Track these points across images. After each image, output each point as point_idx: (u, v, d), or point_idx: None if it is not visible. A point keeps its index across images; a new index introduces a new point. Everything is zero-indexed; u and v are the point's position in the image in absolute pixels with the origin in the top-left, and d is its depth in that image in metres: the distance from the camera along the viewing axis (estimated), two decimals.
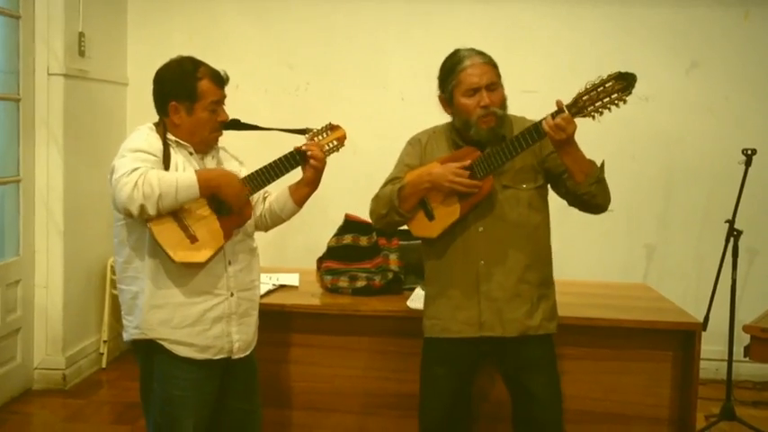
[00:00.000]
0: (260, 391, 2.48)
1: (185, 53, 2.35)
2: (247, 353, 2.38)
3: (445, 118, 2.43)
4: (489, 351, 2.36)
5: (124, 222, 2.24)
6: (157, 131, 2.27)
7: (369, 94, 4.45)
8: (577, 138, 2.18)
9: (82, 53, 4.07)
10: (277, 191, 2.47)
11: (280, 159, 2.33)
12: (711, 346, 3.82)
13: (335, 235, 3.12)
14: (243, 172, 2.36)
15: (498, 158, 2.22)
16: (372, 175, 4.35)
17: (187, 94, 2.24)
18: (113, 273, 3.82)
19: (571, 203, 2.33)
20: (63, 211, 3.96)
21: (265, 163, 2.32)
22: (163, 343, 2.25)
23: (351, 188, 4.24)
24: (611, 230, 4.29)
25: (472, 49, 2.31)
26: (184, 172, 2.20)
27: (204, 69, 2.27)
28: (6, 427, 3.54)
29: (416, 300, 2.86)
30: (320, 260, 3.10)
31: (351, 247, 3.04)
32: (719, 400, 3.64)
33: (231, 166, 2.39)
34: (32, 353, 3.98)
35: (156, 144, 2.22)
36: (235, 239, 2.31)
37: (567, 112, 2.13)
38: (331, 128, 2.40)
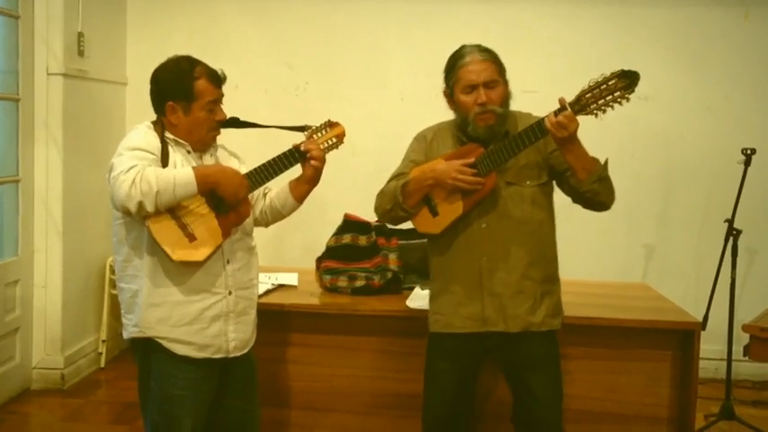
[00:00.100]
0: (259, 390, 2.48)
1: (185, 53, 2.34)
2: (245, 351, 2.37)
3: (447, 115, 2.44)
4: (492, 347, 2.36)
5: (123, 221, 2.24)
6: (155, 130, 2.27)
7: (369, 94, 4.45)
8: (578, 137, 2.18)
9: (81, 53, 4.07)
10: (277, 187, 2.46)
11: (279, 157, 2.33)
12: (711, 346, 3.82)
13: (334, 234, 3.12)
14: (242, 169, 2.36)
15: (501, 155, 2.23)
16: (372, 174, 4.35)
17: (184, 94, 2.24)
18: (112, 272, 3.81)
19: (575, 201, 2.34)
20: (62, 210, 3.96)
21: (265, 160, 2.32)
22: (161, 341, 2.25)
23: (350, 188, 4.25)
24: (610, 230, 4.29)
25: (476, 46, 2.32)
26: (182, 168, 2.19)
27: (201, 69, 2.27)
28: (5, 427, 3.53)
29: (416, 299, 2.86)
30: (319, 260, 3.10)
31: (350, 247, 3.04)
32: (719, 400, 3.64)
33: (230, 164, 2.39)
34: (31, 352, 3.97)
35: (154, 142, 2.22)
36: (233, 238, 2.31)
37: (569, 109, 2.13)
38: (330, 125, 2.40)
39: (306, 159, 2.36)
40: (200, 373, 2.28)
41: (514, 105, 2.37)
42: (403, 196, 2.32)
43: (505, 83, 2.31)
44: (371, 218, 3.16)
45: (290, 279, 3.15)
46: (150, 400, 2.31)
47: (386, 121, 4.39)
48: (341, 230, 3.12)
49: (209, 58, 2.37)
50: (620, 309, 2.86)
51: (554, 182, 2.38)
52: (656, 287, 3.34)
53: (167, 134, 2.27)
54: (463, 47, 2.33)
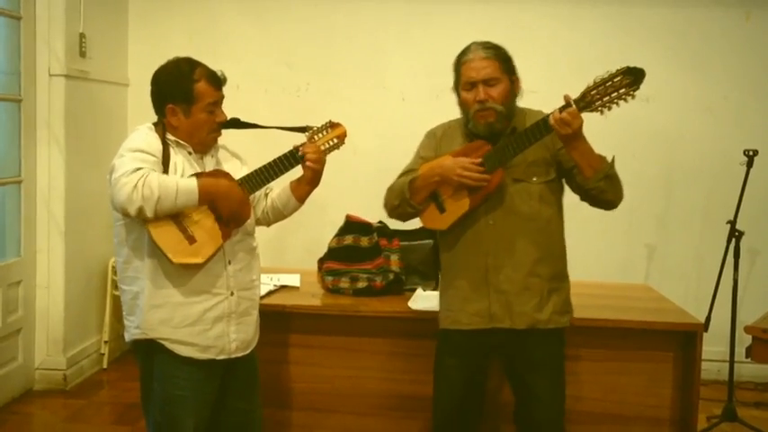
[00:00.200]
0: (260, 391, 2.48)
1: (186, 53, 2.35)
2: (247, 352, 2.38)
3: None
4: (499, 344, 2.35)
5: (123, 222, 2.24)
6: (157, 131, 2.27)
7: (369, 94, 4.44)
8: None
9: (83, 54, 4.07)
10: (279, 187, 2.46)
11: (279, 158, 2.33)
12: (713, 347, 3.82)
13: (336, 236, 3.12)
14: (244, 170, 2.36)
15: (507, 152, 2.23)
16: (373, 175, 4.36)
17: (184, 97, 2.24)
18: (114, 273, 3.81)
19: (582, 198, 2.34)
20: (64, 211, 3.96)
21: (266, 161, 2.32)
22: (164, 343, 2.25)
23: (351, 188, 4.25)
24: (611, 230, 4.29)
25: (482, 43, 2.32)
26: (186, 178, 2.19)
27: (201, 71, 2.26)
28: (7, 428, 3.54)
29: (417, 300, 2.86)
30: (321, 261, 3.10)
31: (352, 248, 3.04)
32: (721, 401, 3.64)
33: (232, 164, 2.39)
34: (33, 353, 3.98)
35: (155, 144, 2.22)
36: (234, 239, 2.31)
37: (574, 106, 2.13)
38: (331, 125, 2.40)
39: (305, 162, 2.36)
40: (203, 373, 2.28)
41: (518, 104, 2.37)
42: (410, 192, 2.34)
43: (511, 80, 2.30)
44: (373, 218, 3.17)
45: (292, 280, 3.15)
46: (153, 401, 2.31)
47: (386, 121, 4.39)
48: (342, 231, 3.12)
49: (209, 58, 2.37)
50: (622, 309, 2.86)
51: (564, 180, 2.37)
52: (657, 288, 3.34)
53: (168, 136, 2.27)
54: (471, 44, 2.34)
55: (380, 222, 3.15)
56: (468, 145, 2.32)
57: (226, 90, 2.33)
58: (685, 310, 2.91)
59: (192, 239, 2.20)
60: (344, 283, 2.98)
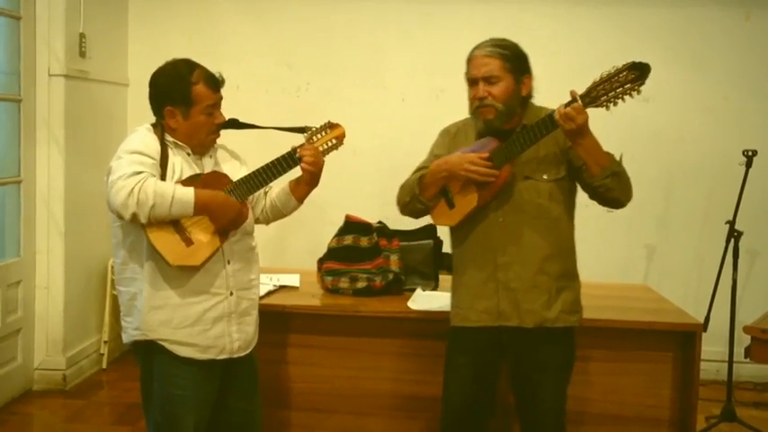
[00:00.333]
0: (260, 391, 2.48)
1: (186, 54, 2.35)
2: (247, 352, 2.38)
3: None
4: (508, 342, 2.34)
5: (120, 224, 2.24)
6: (155, 132, 2.27)
7: (369, 95, 4.45)
8: None
9: (83, 54, 4.07)
10: (278, 187, 2.46)
11: (277, 160, 2.32)
12: (712, 347, 3.81)
13: (336, 236, 3.12)
14: (243, 170, 2.36)
15: (514, 148, 2.23)
16: (373, 175, 4.40)
17: (182, 99, 2.23)
18: (114, 273, 3.82)
19: (591, 197, 2.33)
20: (64, 211, 3.97)
21: (265, 161, 2.32)
22: (164, 344, 2.25)
23: (351, 188, 4.25)
24: (610, 230, 4.29)
25: (489, 41, 2.31)
26: (184, 187, 2.18)
27: (199, 73, 2.26)
28: (7, 428, 3.54)
29: (417, 301, 2.86)
30: (321, 261, 3.10)
31: (351, 248, 3.04)
32: (720, 402, 3.64)
33: (231, 165, 2.39)
34: (33, 353, 3.98)
35: (153, 145, 2.22)
36: (233, 239, 2.31)
37: (579, 101, 2.13)
38: (330, 126, 2.39)
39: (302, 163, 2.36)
40: (202, 373, 2.28)
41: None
42: (420, 188, 2.35)
43: (516, 79, 2.28)
44: (372, 218, 3.18)
45: (292, 280, 3.15)
46: (153, 401, 2.32)
47: (386, 121, 4.39)
48: (342, 231, 3.12)
49: (209, 58, 2.37)
50: (621, 310, 2.86)
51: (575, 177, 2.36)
52: (656, 288, 3.34)
53: (167, 137, 2.27)
54: (484, 40, 2.33)
55: (380, 222, 3.15)
56: (478, 141, 2.33)
57: (226, 90, 2.33)
58: (684, 310, 2.91)
59: (189, 241, 2.20)
60: (344, 283, 2.98)
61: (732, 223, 3.62)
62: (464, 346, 2.39)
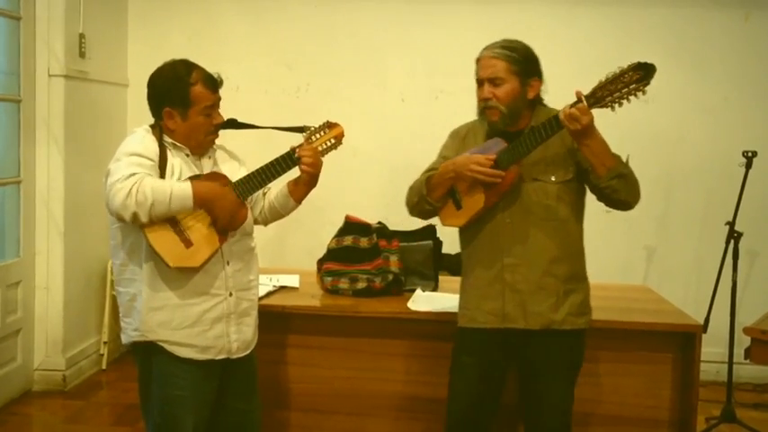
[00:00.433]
0: (260, 391, 2.48)
1: (185, 54, 2.35)
2: (247, 352, 2.38)
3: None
4: (516, 344, 2.34)
5: (119, 226, 2.24)
6: (154, 134, 2.27)
7: (369, 95, 4.44)
8: None
9: (82, 54, 4.07)
10: (277, 188, 2.46)
11: (276, 160, 2.32)
12: (712, 348, 3.81)
13: (336, 236, 3.12)
14: (242, 171, 2.36)
15: (521, 149, 2.23)
16: (372, 175, 4.40)
17: (181, 101, 2.23)
18: (113, 274, 3.82)
19: (599, 198, 2.33)
20: (63, 212, 3.96)
21: (265, 161, 2.32)
22: (163, 345, 2.25)
23: (351, 189, 4.25)
24: (610, 231, 4.28)
25: (499, 41, 2.31)
26: (181, 182, 2.18)
27: (197, 74, 2.25)
28: (6, 429, 3.54)
29: (417, 301, 2.86)
30: (320, 262, 3.10)
31: (351, 249, 3.04)
32: (720, 403, 3.64)
33: (230, 165, 2.39)
34: (32, 354, 3.97)
35: (152, 147, 2.22)
36: (232, 239, 2.31)
37: (584, 102, 2.12)
38: (329, 125, 2.39)
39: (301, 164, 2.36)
40: (201, 373, 2.28)
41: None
42: (427, 189, 2.36)
43: (522, 82, 2.26)
44: (372, 219, 3.18)
45: (292, 281, 3.15)
46: (152, 402, 2.31)
47: (386, 121, 4.39)
48: (342, 232, 3.12)
49: (209, 59, 2.37)
50: (621, 311, 2.85)
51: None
52: (656, 289, 3.33)
53: (166, 138, 2.27)
54: (497, 41, 2.33)
55: (380, 223, 3.15)
56: (486, 142, 2.33)
57: (225, 91, 2.33)
58: (684, 311, 2.91)
59: (188, 243, 2.20)
60: (344, 283, 2.98)
61: (732, 224, 3.62)
62: (471, 346, 2.38)
